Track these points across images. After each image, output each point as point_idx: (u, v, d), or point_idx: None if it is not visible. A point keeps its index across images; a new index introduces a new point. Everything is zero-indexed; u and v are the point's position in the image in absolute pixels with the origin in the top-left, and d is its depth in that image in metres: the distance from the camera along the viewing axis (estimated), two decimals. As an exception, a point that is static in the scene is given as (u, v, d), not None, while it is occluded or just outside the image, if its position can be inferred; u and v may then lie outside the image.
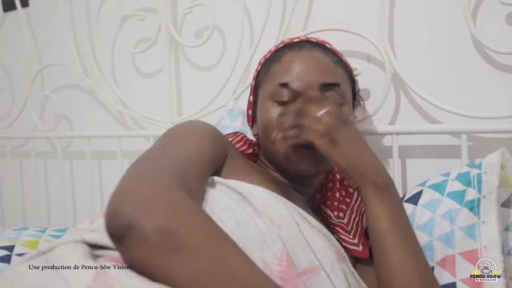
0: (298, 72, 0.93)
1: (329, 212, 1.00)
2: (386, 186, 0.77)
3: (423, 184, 0.99)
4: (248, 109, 1.07)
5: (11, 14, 1.90)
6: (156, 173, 0.67)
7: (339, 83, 0.94)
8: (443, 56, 1.11)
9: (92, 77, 1.66)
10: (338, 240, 0.97)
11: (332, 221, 0.99)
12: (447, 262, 0.86)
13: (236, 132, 1.05)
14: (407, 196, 0.99)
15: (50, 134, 1.73)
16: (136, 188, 0.62)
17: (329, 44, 1.03)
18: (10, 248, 1.13)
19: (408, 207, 0.96)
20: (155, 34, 1.46)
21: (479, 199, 0.87)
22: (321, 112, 0.80)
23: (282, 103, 0.93)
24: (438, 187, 0.95)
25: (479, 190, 0.88)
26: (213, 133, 0.86)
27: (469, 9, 1.02)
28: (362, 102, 1.09)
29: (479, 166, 0.90)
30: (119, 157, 1.54)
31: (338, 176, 1.03)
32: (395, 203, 0.78)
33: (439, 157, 1.13)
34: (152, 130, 1.51)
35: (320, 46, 1.00)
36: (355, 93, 1.04)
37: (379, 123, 1.16)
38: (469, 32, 1.05)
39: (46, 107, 1.85)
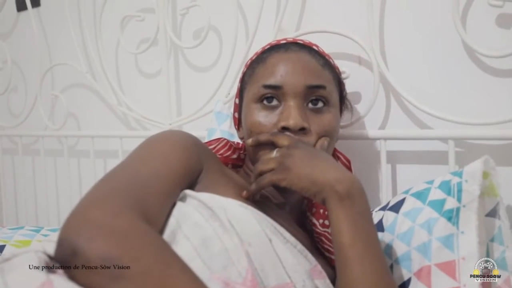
0: (283, 74, 0.92)
1: (314, 220, 0.98)
2: (348, 195, 0.74)
3: (406, 191, 0.96)
4: (234, 111, 1.06)
5: (24, 13, 1.94)
6: (110, 195, 0.66)
7: (324, 85, 0.93)
8: (433, 61, 1.09)
9: (97, 77, 1.68)
10: (321, 253, 0.96)
11: (317, 230, 0.97)
12: (423, 273, 0.84)
13: (219, 139, 1.03)
14: (390, 204, 0.97)
15: (57, 133, 1.76)
16: (85, 213, 0.62)
17: (317, 46, 1.01)
18: (1, 248, 1.14)
19: (390, 216, 0.94)
20: (154, 35, 1.46)
21: (458, 209, 0.84)
22: (273, 153, 0.84)
23: (266, 106, 0.92)
24: (421, 195, 0.92)
25: (459, 200, 0.85)
26: (187, 145, 0.83)
27: (458, 14, 0.99)
28: (349, 106, 1.07)
29: (460, 174, 0.87)
30: (121, 156, 1.55)
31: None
32: (358, 213, 0.74)
33: (430, 163, 1.10)
34: (154, 131, 1.51)
35: (307, 48, 0.98)
36: (343, 96, 1.03)
37: (370, 128, 1.14)
38: (459, 36, 1.01)
39: (55, 105, 1.88)
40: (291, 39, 1.02)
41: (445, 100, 1.07)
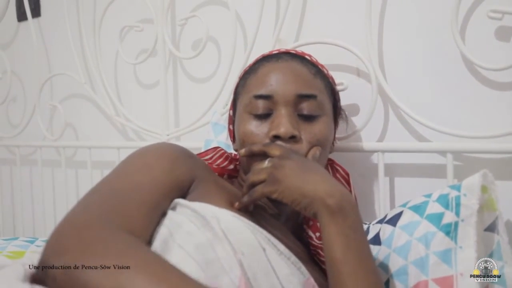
0: (273, 83, 0.92)
1: (310, 233, 0.97)
2: (340, 209, 0.73)
3: (404, 205, 0.95)
4: (229, 124, 1.06)
5: (24, 23, 1.94)
6: (87, 208, 0.67)
7: (315, 94, 0.92)
8: (432, 73, 1.08)
9: (95, 88, 1.68)
10: (317, 266, 0.94)
11: (313, 243, 0.95)
12: (420, 288, 0.82)
13: (216, 148, 1.02)
14: (388, 217, 0.95)
15: (55, 143, 1.75)
16: (59, 228, 0.63)
17: (310, 56, 1.00)
18: (-7, 259, 1.12)
19: (387, 229, 0.93)
20: (153, 45, 1.46)
21: (456, 223, 0.83)
22: (265, 163, 0.83)
23: (258, 116, 0.92)
24: (418, 209, 0.91)
25: (457, 214, 0.83)
26: (174, 156, 0.83)
27: (457, 26, 0.99)
28: (345, 116, 1.06)
29: (458, 188, 0.86)
30: (118, 167, 1.54)
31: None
32: (350, 228, 0.73)
33: (428, 176, 1.09)
34: (151, 142, 1.50)
35: (299, 57, 0.97)
36: (336, 106, 1.02)
37: (368, 140, 1.13)
38: (458, 49, 1.00)
39: (54, 116, 1.87)
40: (284, 49, 1.02)
41: (444, 113, 1.06)
